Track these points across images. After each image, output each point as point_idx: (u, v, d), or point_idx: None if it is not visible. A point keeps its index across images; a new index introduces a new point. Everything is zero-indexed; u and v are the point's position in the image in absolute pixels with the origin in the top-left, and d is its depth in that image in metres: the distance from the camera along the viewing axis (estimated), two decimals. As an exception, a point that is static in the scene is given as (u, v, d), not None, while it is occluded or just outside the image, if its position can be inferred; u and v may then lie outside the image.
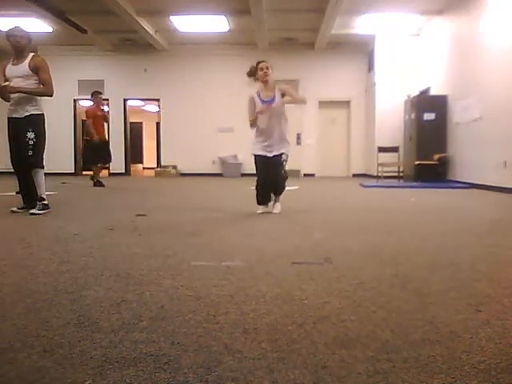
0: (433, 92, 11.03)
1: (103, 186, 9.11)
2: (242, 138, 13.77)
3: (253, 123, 4.76)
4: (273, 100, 4.67)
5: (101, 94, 9.59)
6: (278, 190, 4.90)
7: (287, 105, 4.79)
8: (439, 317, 1.70)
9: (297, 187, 8.36)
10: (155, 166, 13.97)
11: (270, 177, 4.77)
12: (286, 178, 4.93)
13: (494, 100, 8.05)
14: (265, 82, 4.70)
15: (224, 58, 13.75)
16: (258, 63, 4.72)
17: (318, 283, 2.15)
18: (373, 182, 10.73)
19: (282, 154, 4.75)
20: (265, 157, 4.75)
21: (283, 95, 4.69)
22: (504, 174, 7.64)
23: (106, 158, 9.65)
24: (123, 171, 14.33)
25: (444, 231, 3.75)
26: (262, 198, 4.90)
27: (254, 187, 4.91)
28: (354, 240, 3.32)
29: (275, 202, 4.95)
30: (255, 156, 4.82)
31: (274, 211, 4.86)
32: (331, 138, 14.01)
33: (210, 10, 10.56)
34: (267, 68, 4.66)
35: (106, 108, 10.15)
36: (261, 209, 4.89)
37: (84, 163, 9.45)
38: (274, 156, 4.74)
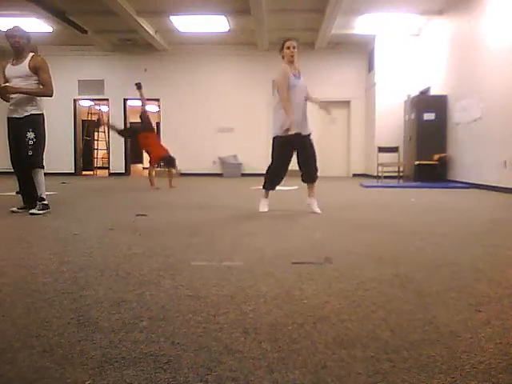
0: (433, 92, 11.03)
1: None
2: (242, 138, 13.89)
3: (287, 99, 4.54)
4: (299, 77, 4.66)
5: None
6: (316, 174, 4.79)
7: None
8: (439, 317, 1.70)
9: (296, 187, 8.35)
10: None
11: (310, 158, 4.68)
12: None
13: (493, 100, 8.06)
14: (291, 62, 4.66)
15: (224, 58, 13.76)
16: (286, 41, 4.67)
17: (318, 283, 2.15)
18: (373, 182, 10.73)
19: (310, 134, 4.70)
20: (298, 135, 4.57)
21: None
22: (504, 174, 7.64)
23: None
24: (123, 171, 14.34)
25: (444, 231, 3.75)
26: (273, 183, 4.81)
27: (266, 171, 4.78)
28: (354, 240, 3.32)
29: (311, 196, 4.82)
30: (282, 136, 4.59)
31: (316, 210, 4.76)
32: (331, 138, 14.01)
33: (210, 10, 10.56)
34: (294, 47, 4.62)
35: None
36: (264, 206, 4.82)
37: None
38: (308, 135, 4.67)
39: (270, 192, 4.91)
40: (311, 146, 4.73)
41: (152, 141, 8.76)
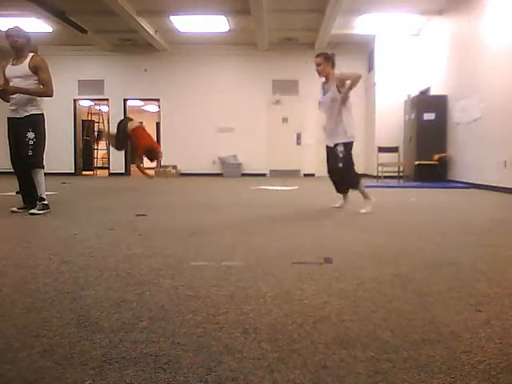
0: (433, 92, 11.03)
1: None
2: (242, 138, 13.89)
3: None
4: (327, 92, 4.78)
5: None
6: (344, 184, 4.82)
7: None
8: (439, 317, 1.70)
9: (297, 187, 8.36)
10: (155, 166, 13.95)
11: (331, 170, 4.86)
12: (351, 174, 4.75)
13: (493, 100, 8.05)
14: (322, 77, 4.75)
15: (224, 58, 13.76)
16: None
17: (318, 283, 2.15)
18: (373, 182, 10.73)
19: (337, 144, 4.74)
20: (327, 147, 4.82)
21: (340, 86, 4.75)
22: (504, 174, 7.64)
23: None
24: (123, 171, 14.34)
25: (444, 231, 3.75)
26: (337, 188, 4.95)
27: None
28: (354, 240, 3.32)
29: (345, 198, 4.90)
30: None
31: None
32: (331, 138, 13.97)
33: (210, 10, 10.56)
34: (317, 64, 4.75)
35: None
36: (338, 202, 4.92)
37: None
38: (335, 145, 4.74)
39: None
40: (334, 157, 4.75)
41: (139, 133, 8.53)
